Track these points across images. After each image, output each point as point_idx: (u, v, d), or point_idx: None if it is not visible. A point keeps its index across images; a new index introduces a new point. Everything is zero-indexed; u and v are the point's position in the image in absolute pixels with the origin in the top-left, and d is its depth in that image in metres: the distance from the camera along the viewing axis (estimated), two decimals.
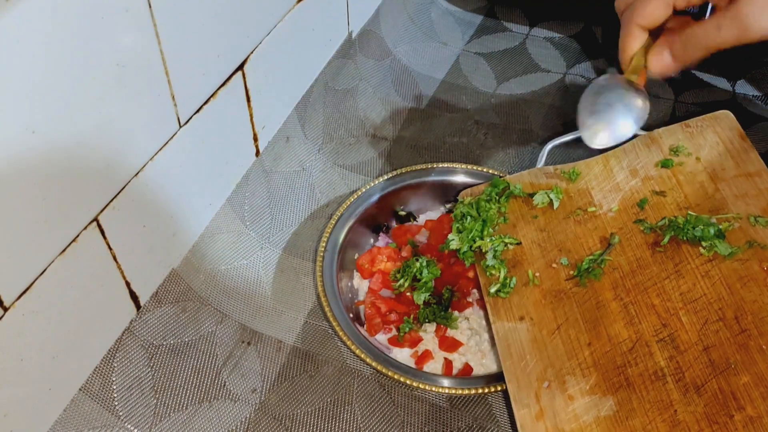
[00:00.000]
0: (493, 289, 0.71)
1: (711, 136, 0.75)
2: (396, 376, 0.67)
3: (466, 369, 0.71)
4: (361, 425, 0.66)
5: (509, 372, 0.65)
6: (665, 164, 0.74)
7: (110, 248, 0.64)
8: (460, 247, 0.74)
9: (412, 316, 0.74)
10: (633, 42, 0.55)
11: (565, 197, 0.76)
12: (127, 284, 0.68)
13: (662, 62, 0.54)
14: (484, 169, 0.83)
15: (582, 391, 0.62)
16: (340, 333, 0.70)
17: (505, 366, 0.66)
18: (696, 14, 0.66)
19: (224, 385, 0.68)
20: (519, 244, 0.73)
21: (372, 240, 0.82)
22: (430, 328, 0.73)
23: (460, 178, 0.83)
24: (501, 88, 0.97)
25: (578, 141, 0.80)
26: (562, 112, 0.93)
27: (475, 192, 0.80)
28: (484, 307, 0.73)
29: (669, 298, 0.64)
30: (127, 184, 0.64)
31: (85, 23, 0.53)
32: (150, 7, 0.59)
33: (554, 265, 0.70)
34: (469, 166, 0.84)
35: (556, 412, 0.61)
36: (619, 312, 0.65)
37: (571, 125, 0.77)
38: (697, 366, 0.60)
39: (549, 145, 0.81)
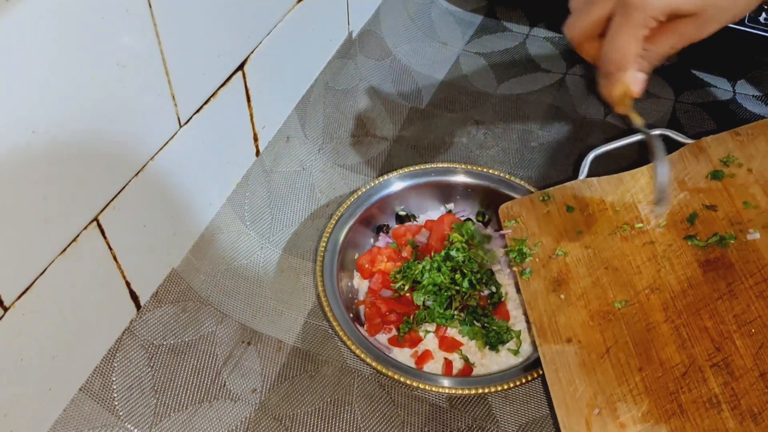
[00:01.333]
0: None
1: (763, 145, 0.72)
2: (396, 376, 0.67)
3: (466, 369, 0.71)
4: (361, 425, 0.66)
5: (558, 397, 0.63)
6: (715, 176, 0.71)
7: (110, 248, 0.64)
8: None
9: (412, 317, 0.74)
10: (618, 88, 0.56)
11: (611, 211, 0.73)
12: (127, 284, 0.68)
13: (640, 82, 0.55)
14: (484, 169, 0.83)
15: (634, 419, 0.60)
16: (340, 333, 0.70)
17: (554, 391, 0.63)
18: None
19: (224, 385, 0.68)
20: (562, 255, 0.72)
21: (372, 240, 0.82)
22: (430, 328, 0.73)
23: (460, 178, 0.83)
24: (501, 88, 0.97)
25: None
26: (562, 112, 0.93)
27: (514, 210, 0.78)
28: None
29: (722, 321, 0.62)
30: (127, 183, 0.64)
31: (86, 23, 0.53)
32: (150, 7, 0.59)
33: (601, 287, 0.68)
34: (469, 166, 0.84)
35: None
36: (671, 335, 0.63)
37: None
38: (754, 393, 0.57)
39: (592, 155, 0.78)
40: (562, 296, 0.69)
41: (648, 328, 0.64)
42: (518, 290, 0.75)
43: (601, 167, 0.80)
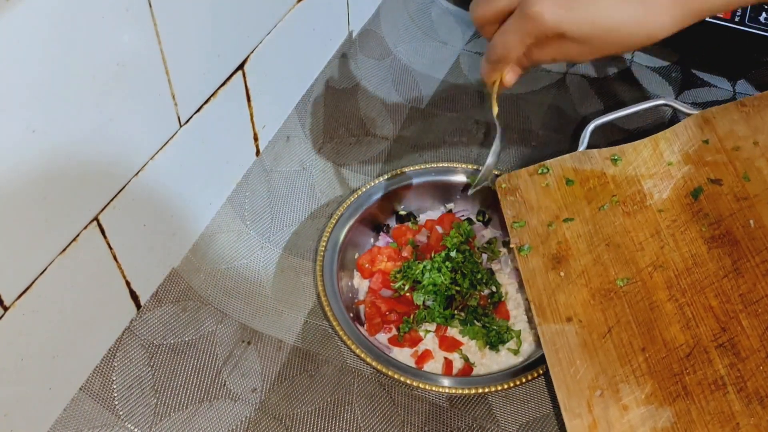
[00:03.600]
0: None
1: None
2: (396, 376, 0.67)
3: (466, 369, 0.71)
4: (361, 425, 0.66)
5: (558, 379, 0.61)
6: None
7: (110, 248, 0.64)
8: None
9: (412, 316, 0.74)
10: (496, 74, 0.63)
11: (612, 185, 0.70)
12: (128, 284, 0.68)
13: (514, 77, 0.61)
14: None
15: (637, 401, 0.58)
16: (340, 333, 0.70)
17: (554, 372, 0.62)
18: None
19: (224, 385, 0.68)
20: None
21: (372, 240, 0.82)
22: (431, 327, 0.73)
23: (460, 178, 0.83)
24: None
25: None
26: (562, 112, 0.93)
27: (511, 183, 0.76)
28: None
29: (728, 300, 0.60)
30: (127, 183, 0.64)
31: (86, 23, 0.53)
32: (150, 6, 0.59)
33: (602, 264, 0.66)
34: (469, 166, 0.84)
35: (610, 423, 0.58)
36: (675, 314, 0.61)
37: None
38: (760, 375, 0.56)
39: (592, 125, 0.76)
40: (562, 274, 0.67)
41: (651, 307, 0.62)
42: (520, 287, 0.75)
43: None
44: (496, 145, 0.70)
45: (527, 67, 0.61)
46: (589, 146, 0.76)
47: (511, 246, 0.73)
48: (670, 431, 0.56)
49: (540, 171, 0.76)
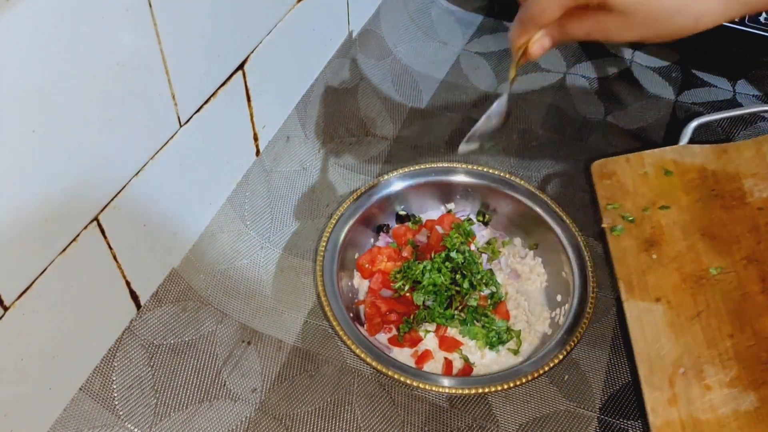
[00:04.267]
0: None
1: None
2: (396, 376, 0.67)
3: (466, 369, 0.71)
4: (361, 425, 0.66)
5: (641, 354, 0.63)
6: None
7: (110, 248, 0.64)
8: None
9: (412, 316, 0.74)
10: (523, 37, 0.57)
11: (712, 180, 0.72)
12: (128, 284, 0.68)
13: (542, 48, 0.56)
14: (484, 169, 0.83)
15: (721, 383, 0.60)
16: (340, 333, 0.70)
17: (637, 347, 0.64)
18: None
19: (224, 385, 0.68)
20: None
21: (372, 240, 0.82)
22: (430, 327, 0.73)
23: (460, 178, 0.83)
24: (501, 88, 0.97)
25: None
26: (562, 112, 0.93)
27: (607, 168, 0.77)
28: None
29: None
30: (127, 183, 0.64)
31: (86, 23, 0.53)
32: (150, 6, 0.59)
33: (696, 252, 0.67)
34: (469, 166, 0.84)
35: (690, 400, 0.59)
36: (767, 307, 0.63)
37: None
38: None
39: (695, 123, 0.78)
40: (654, 256, 0.69)
41: (743, 297, 0.64)
42: (519, 288, 0.75)
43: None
44: (497, 105, 0.65)
45: (558, 41, 0.56)
46: (598, 142, 0.79)
47: (603, 225, 0.75)
48: (752, 414, 0.58)
49: (638, 161, 0.77)
